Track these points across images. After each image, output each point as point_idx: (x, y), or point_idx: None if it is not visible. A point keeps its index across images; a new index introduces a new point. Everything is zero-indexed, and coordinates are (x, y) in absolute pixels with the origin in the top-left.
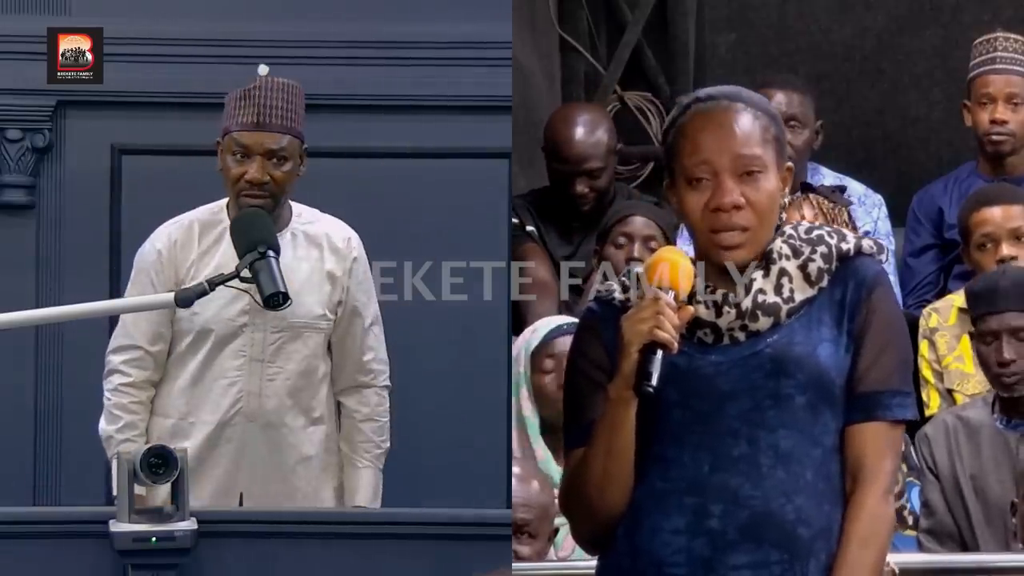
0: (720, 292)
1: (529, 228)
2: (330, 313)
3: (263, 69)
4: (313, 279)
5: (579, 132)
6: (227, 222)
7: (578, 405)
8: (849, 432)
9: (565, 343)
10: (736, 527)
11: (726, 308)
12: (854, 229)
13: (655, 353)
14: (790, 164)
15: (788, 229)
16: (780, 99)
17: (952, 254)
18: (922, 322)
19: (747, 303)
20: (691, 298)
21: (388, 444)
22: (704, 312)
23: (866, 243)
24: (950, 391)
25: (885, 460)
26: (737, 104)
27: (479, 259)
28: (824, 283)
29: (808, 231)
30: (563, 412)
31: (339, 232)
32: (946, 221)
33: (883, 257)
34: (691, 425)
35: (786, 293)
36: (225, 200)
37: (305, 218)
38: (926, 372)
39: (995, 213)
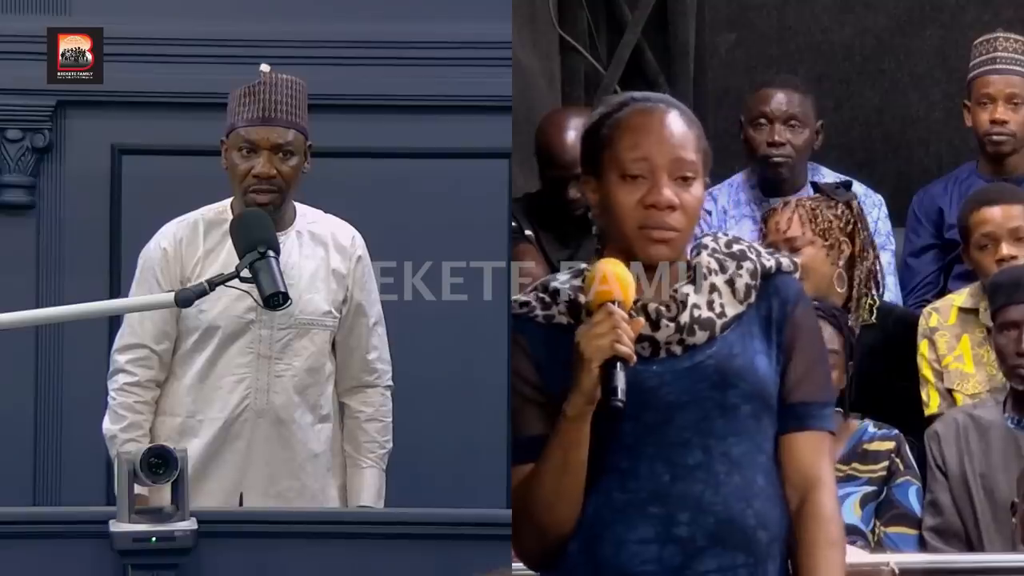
0: (653, 306)
1: (528, 233)
2: (335, 311)
3: (265, 67)
4: (319, 277)
5: (571, 137)
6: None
7: (513, 422)
8: (786, 441)
9: None
10: (704, 533)
11: (664, 322)
12: (862, 220)
13: (616, 367)
14: (707, 179)
15: (709, 243)
16: (780, 99)
17: (952, 254)
18: (922, 322)
19: (685, 318)
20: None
21: (391, 444)
22: (643, 325)
23: (785, 261)
24: (950, 391)
25: (826, 465)
26: (674, 110)
27: (479, 259)
28: (752, 299)
29: (728, 245)
30: None
31: (343, 231)
32: (946, 221)
33: (799, 275)
34: (642, 436)
35: (717, 308)
36: (229, 199)
37: (310, 218)
38: (926, 372)
39: (995, 213)
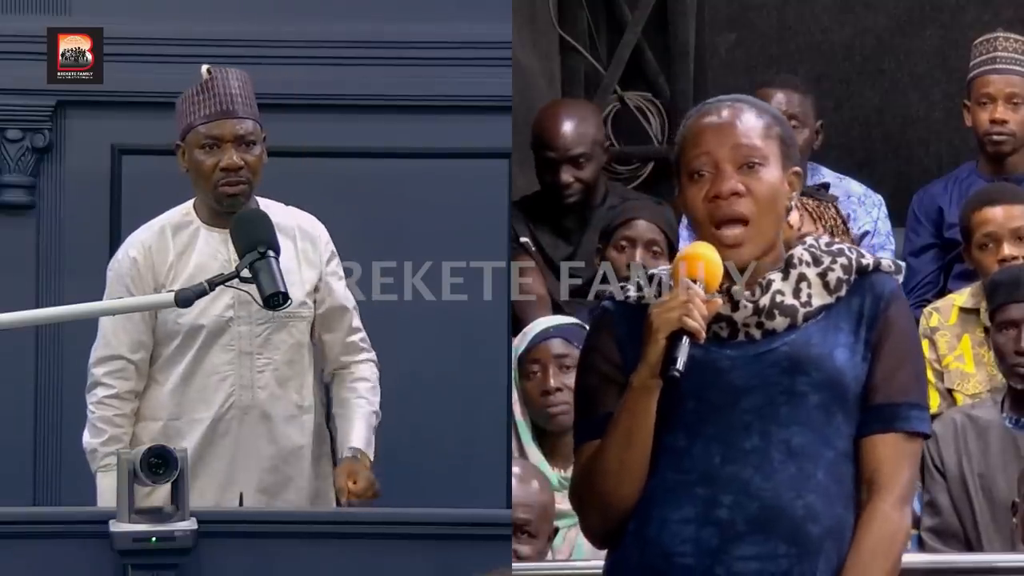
0: (736, 287)
1: (523, 240)
2: (309, 300)
3: (205, 69)
4: (291, 268)
5: (566, 121)
6: (198, 222)
7: (590, 400)
8: (867, 443)
9: (549, 348)
10: (745, 518)
11: (743, 303)
12: (844, 224)
13: (682, 340)
14: (798, 169)
15: (809, 239)
16: (780, 99)
17: (952, 253)
18: (923, 321)
19: (765, 301)
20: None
21: (379, 411)
22: (719, 306)
23: (885, 261)
24: (950, 391)
25: (902, 470)
26: (740, 104)
27: (479, 259)
28: (843, 292)
29: (829, 244)
30: (574, 407)
31: (307, 221)
32: (946, 220)
33: (900, 277)
34: (705, 416)
35: (804, 297)
36: (191, 201)
37: (273, 210)
38: (926, 371)
39: (997, 213)
